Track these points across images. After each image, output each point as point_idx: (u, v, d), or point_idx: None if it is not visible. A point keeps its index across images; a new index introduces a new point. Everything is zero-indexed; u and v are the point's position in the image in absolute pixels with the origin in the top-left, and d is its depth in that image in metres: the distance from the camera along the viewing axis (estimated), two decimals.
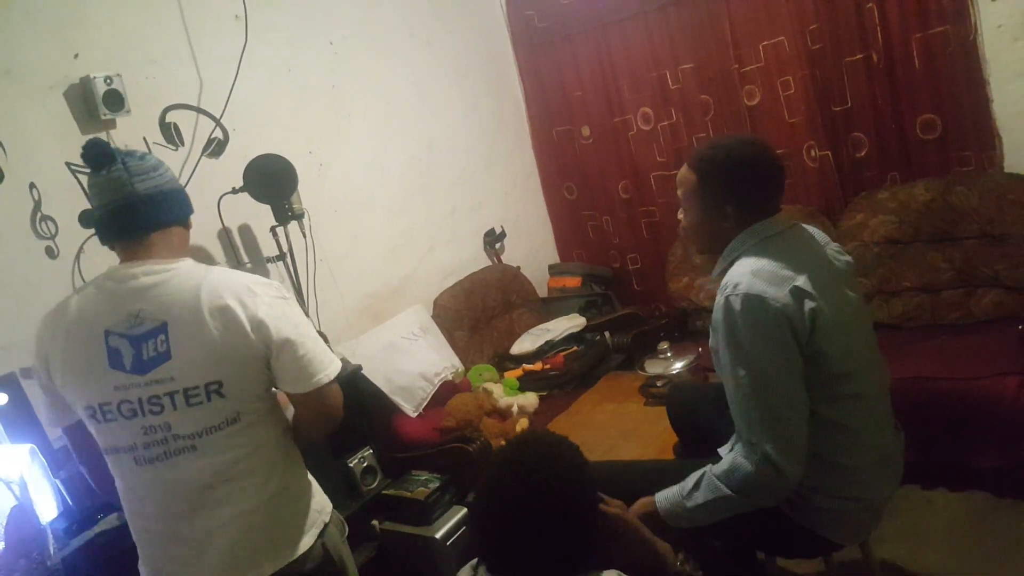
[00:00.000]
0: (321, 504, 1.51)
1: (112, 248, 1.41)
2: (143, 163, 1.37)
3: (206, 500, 1.34)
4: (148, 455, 1.32)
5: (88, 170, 1.37)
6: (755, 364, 1.41)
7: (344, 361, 2.59)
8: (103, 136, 2.22)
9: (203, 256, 2.46)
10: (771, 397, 1.41)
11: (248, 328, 1.31)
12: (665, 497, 1.54)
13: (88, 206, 2.11)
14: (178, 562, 1.37)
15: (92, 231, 2.15)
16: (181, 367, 1.30)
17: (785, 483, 1.42)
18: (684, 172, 1.60)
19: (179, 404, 1.30)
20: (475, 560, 1.21)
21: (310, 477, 1.53)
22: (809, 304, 1.41)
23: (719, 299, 1.48)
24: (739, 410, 1.45)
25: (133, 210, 1.34)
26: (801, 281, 1.43)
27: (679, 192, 1.63)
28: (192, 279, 1.34)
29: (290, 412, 1.49)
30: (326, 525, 1.49)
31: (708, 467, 1.50)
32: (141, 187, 1.34)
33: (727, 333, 1.44)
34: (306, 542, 1.42)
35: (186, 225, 1.45)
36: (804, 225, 1.62)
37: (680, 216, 1.66)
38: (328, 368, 1.40)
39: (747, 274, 1.44)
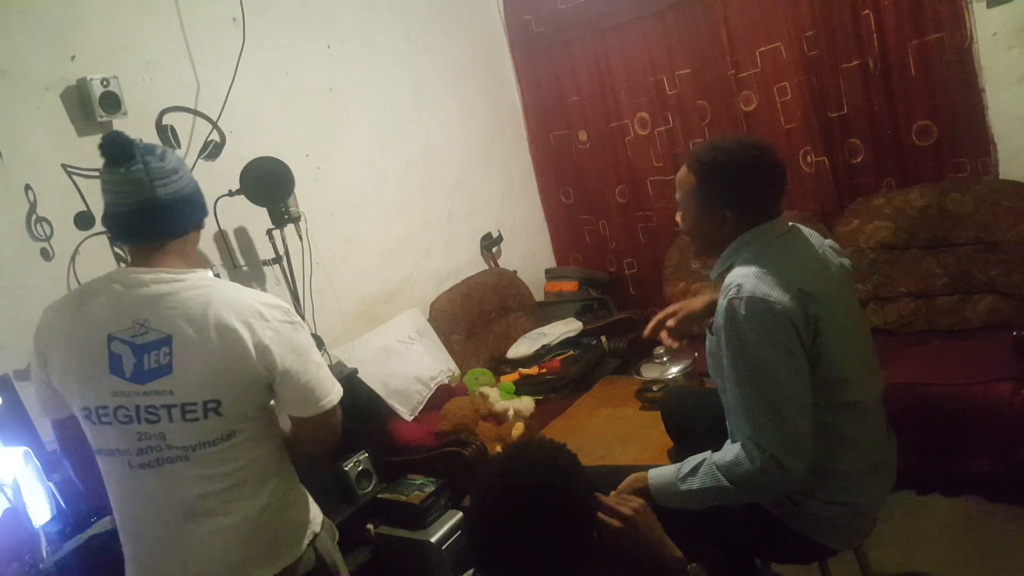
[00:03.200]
0: (313, 515, 1.51)
1: (122, 248, 1.40)
2: (164, 165, 1.33)
3: (197, 509, 1.33)
4: (141, 460, 1.32)
5: (100, 166, 1.34)
6: (761, 367, 1.40)
7: (340, 364, 2.61)
8: (99, 139, 2.22)
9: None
10: (778, 399, 1.40)
11: (253, 353, 1.30)
12: (659, 475, 1.54)
13: (84, 208, 2.13)
14: (165, 568, 1.36)
15: (88, 233, 2.15)
16: (181, 383, 1.29)
17: (790, 481, 1.41)
18: (683, 174, 1.58)
19: (175, 418, 1.30)
20: (471, 571, 1.20)
21: (303, 488, 1.52)
22: (812, 308, 1.41)
23: (721, 302, 1.47)
24: (744, 412, 1.43)
25: (151, 216, 1.31)
26: (805, 285, 1.42)
27: (677, 194, 1.61)
28: (202, 295, 1.31)
29: (285, 421, 1.49)
30: (316, 535, 1.49)
31: (708, 454, 1.49)
32: (162, 192, 1.31)
33: (731, 336, 1.43)
34: (295, 552, 1.42)
35: (200, 228, 1.44)
36: (801, 227, 1.62)
37: (678, 218, 1.66)
38: (331, 394, 1.41)
39: (750, 277, 1.43)
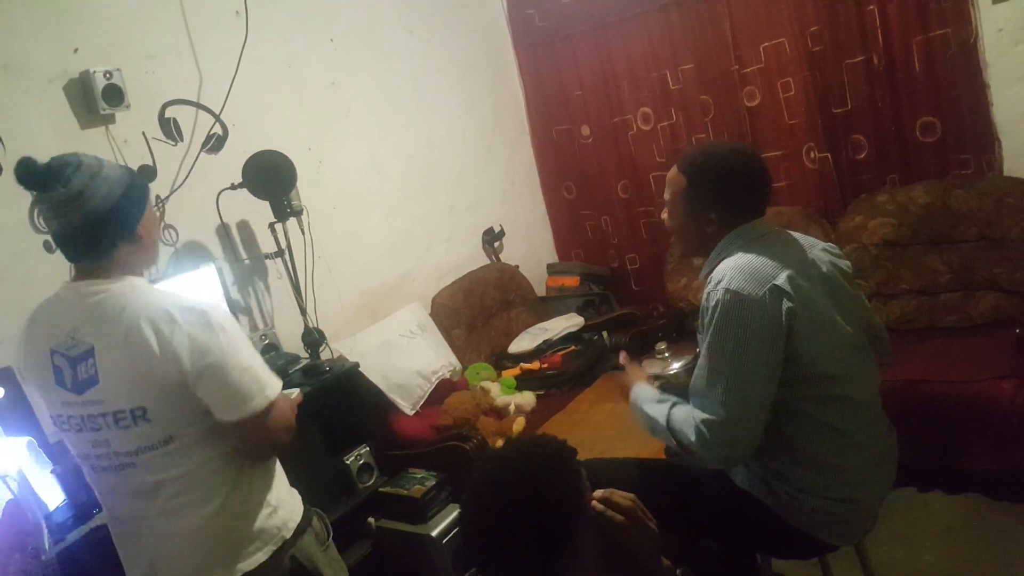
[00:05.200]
0: (283, 520, 1.45)
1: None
2: (67, 191, 1.26)
3: (152, 512, 1.35)
4: (101, 464, 1.37)
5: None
6: (724, 349, 1.43)
7: (341, 358, 2.61)
8: (102, 131, 2.22)
9: (201, 252, 2.46)
10: (735, 378, 1.42)
11: (159, 356, 1.27)
12: (639, 394, 1.66)
13: None
14: (140, 562, 1.41)
15: None
16: (107, 391, 1.30)
17: (735, 452, 1.45)
18: (674, 174, 1.61)
19: (111, 425, 1.32)
20: (473, 570, 1.21)
21: (277, 491, 1.47)
22: (787, 304, 1.43)
23: (703, 295, 1.52)
24: (703, 386, 1.47)
25: (65, 241, 1.32)
26: (781, 281, 1.45)
27: (666, 193, 1.64)
28: (119, 302, 1.30)
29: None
30: (290, 541, 1.45)
31: (677, 402, 1.56)
32: (63, 223, 1.28)
33: (707, 325, 1.48)
34: (259, 558, 1.39)
35: (131, 240, 1.36)
36: (789, 231, 1.64)
37: (664, 216, 1.68)
38: (258, 397, 1.33)
39: (730, 270, 1.47)
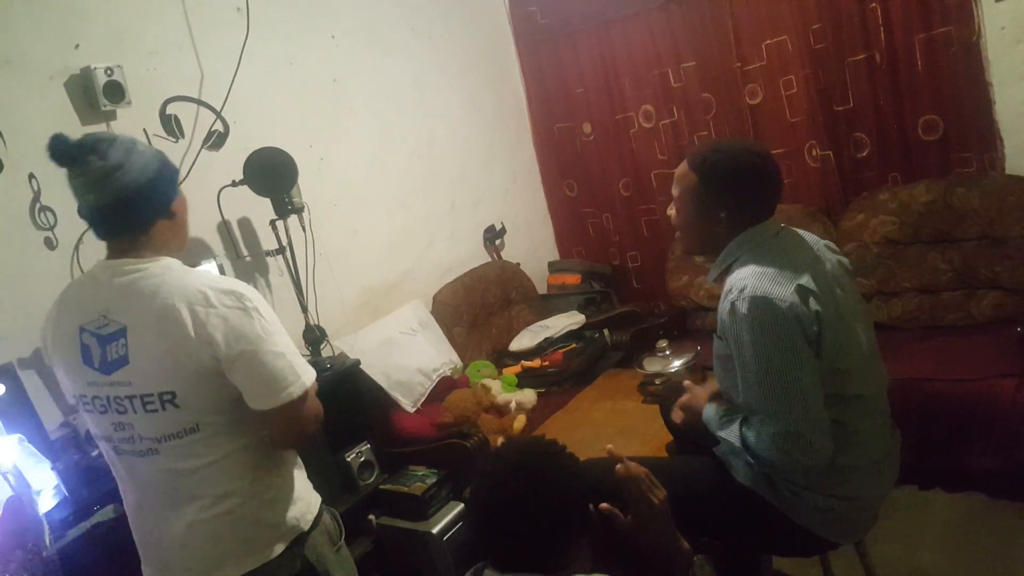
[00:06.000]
0: (301, 512, 1.44)
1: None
2: (105, 163, 1.27)
3: (172, 501, 1.35)
4: (123, 448, 1.36)
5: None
6: (771, 365, 1.41)
7: (342, 356, 2.61)
8: (104, 128, 2.22)
9: (202, 249, 2.46)
10: (795, 393, 1.41)
11: (195, 339, 1.25)
12: (707, 412, 1.61)
13: None
14: (157, 552, 1.40)
15: None
16: (137, 373, 1.29)
17: (815, 455, 1.42)
18: (684, 171, 1.59)
19: (138, 409, 1.30)
20: (480, 564, 1.21)
21: (296, 483, 1.47)
22: (813, 301, 1.42)
23: (724, 304, 1.49)
24: (764, 408, 1.44)
25: (104, 214, 1.31)
26: (804, 280, 1.44)
27: (675, 189, 1.62)
28: (154, 283, 1.29)
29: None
30: (305, 534, 1.44)
31: (742, 417, 1.51)
32: (99, 196, 1.28)
33: (738, 337, 1.44)
34: (276, 549, 1.38)
35: (168, 216, 1.37)
36: (792, 228, 1.63)
37: (670, 212, 1.66)
38: (294, 385, 1.31)
39: (750, 276, 1.44)
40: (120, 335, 1.29)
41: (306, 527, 1.44)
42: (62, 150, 1.27)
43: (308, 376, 1.35)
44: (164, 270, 1.32)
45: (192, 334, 1.25)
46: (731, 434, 1.52)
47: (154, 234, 1.35)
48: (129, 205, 1.30)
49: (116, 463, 1.40)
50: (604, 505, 1.36)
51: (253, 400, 1.31)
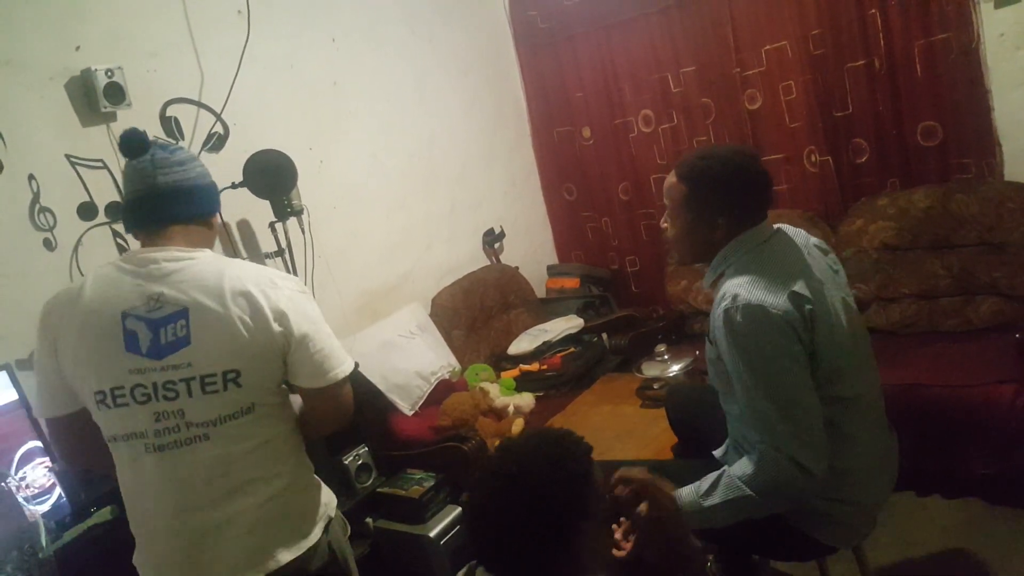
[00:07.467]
0: (328, 497, 1.52)
1: (136, 236, 1.43)
2: (170, 156, 1.38)
3: (218, 491, 1.32)
4: (160, 442, 1.31)
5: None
6: (766, 373, 1.41)
7: None
8: (103, 129, 2.22)
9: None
10: (787, 402, 1.40)
11: (271, 318, 1.32)
12: (681, 495, 1.47)
13: (87, 199, 2.14)
14: (183, 553, 1.33)
15: (91, 224, 2.16)
16: (200, 354, 1.30)
17: (813, 482, 1.39)
18: (672, 182, 1.59)
19: (195, 391, 1.30)
20: (473, 562, 1.21)
21: (314, 474, 1.53)
22: (807, 307, 1.42)
23: (716, 311, 1.48)
24: (756, 419, 1.42)
25: (153, 201, 1.37)
26: (798, 286, 1.44)
27: (666, 201, 1.62)
28: (215, 268, 1.35)
29: (296, 403, 1.49)
30: (331, 520, 1.49)
31: (724, 469, 1.46)
32: (162, 180, 1.36)
33: (732, 345, 1.44)
34: (316, 533, 1.43)
35: (208, 224, 1.46)
36: (784, 228, 1.62)
37: (664, 225, 1.66)
38: (343, 364, 1.42)
39: (744, 284, 1.44)
40: (179, 316, 1.30)
41: (332, 513, 1.50)
42: (137, 141, 1.37)
43: (351, 359, 1.46)
44: (216, 258, 1.39)
45: (268, 312, 1.32)
46: (729, 490, 1.42)
47: (193, 233, 1.41)
48: (187, 194, 1.39)
49: (143, 468, 1.32)
50: (617, 535, 1.37)
51: (308, 378, 1.38)
